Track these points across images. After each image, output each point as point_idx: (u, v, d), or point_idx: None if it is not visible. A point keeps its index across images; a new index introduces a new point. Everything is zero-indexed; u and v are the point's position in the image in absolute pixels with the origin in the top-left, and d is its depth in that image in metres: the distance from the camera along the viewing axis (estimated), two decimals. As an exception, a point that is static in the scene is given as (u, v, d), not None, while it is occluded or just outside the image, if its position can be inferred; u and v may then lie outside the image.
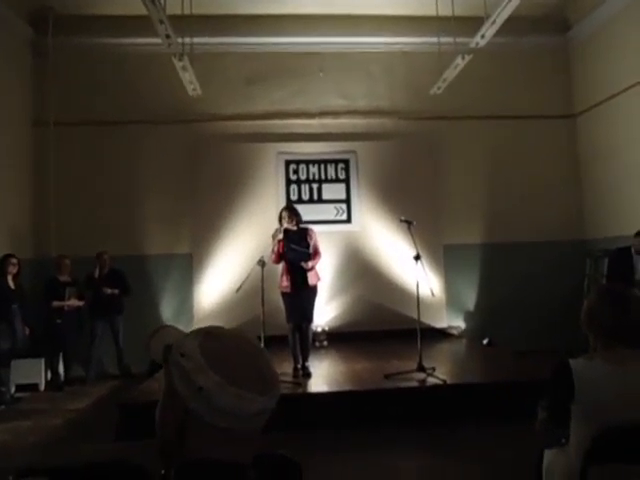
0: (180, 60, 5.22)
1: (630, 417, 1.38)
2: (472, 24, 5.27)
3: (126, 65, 6.54)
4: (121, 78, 6.54)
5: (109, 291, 5.74)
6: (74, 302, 5.65)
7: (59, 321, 5.54)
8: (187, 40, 5.45)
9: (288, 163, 6.74)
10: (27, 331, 5.13)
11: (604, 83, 6.44)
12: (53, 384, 5.50)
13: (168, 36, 4.80)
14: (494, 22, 4.86)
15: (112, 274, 5.88)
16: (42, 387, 5.46)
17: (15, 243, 5.79)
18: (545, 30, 6.93)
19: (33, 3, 6.15)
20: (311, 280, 4.51)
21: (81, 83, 6.53)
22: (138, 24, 5.86)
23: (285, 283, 4.51)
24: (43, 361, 5.52)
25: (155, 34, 4.92)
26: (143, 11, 4.53)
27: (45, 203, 6.34)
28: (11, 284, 5.09)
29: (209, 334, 0.80)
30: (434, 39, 6.21)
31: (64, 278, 5.75)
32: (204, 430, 0.74)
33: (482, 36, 5.13)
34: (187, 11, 5.53)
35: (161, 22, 4.54)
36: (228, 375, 0.73)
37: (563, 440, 1.69)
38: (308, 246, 4.50)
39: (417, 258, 4.48)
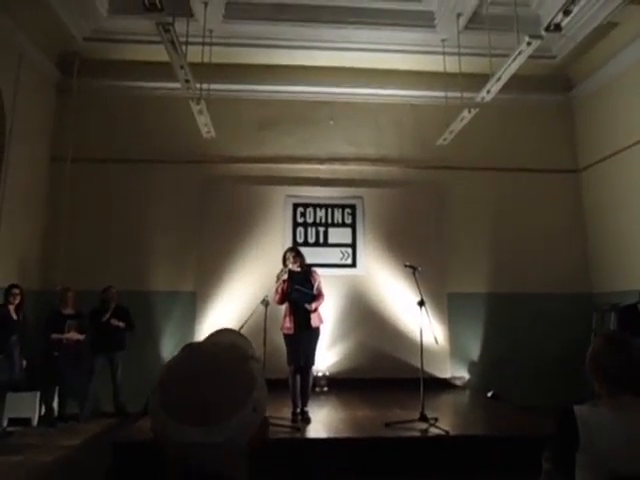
0: (197, 104, 5.45)
1: (636, 466, 1.35)
2: (478, 80, 5.50)
3: (143, 107, 6.82)
4: (138, 119, 6.80)
5: (116, 322, 5.73)
6: (73, 335, 5.59)
7: (56, 354, 5.48)
8: (205, 86, 5.72)
9: (296, 206, 6.86)
10: (24, 364, 5.08)
11: (608, 140, 6.60)
12: (46, 419, 5.38)
13: (187, 81, 5.04)
14: (499, 79, 5.07)
15: (118, 309, 5.88)
16: (35, 422, 5.34)
17: (23, 274, 5.86)
18: (549, 88, 7.19)
19: (61, 47, 6.49)
20: (314, 322, 4.48)
21: (100, 122, 6.79)
22: (158, 69, 6.18)
23: (288, 324, 4.48)
24: (38, 395, 5.43)
25: (173, 79, 5.18)
26: (164, 57, 4.78)
27: (56, 236, 6.44)
28: (13, 314, 5.10)
29: (187, 349, 0.75)
30: (441, 93, 6.47)
31: (67, 311, 5.75)
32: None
33: (488, 91, 5.34)
34: (206, 59, 5.84)
35: (181, 68, 4.78)
36: (165, 400, 0.68)
37: (568, 493, 1.64)
38: (312, 287, 4.50)
39: (421, 304, 4.46)
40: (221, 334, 0.86)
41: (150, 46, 6.13)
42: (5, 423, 5.10)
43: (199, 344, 0.76)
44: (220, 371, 0.70)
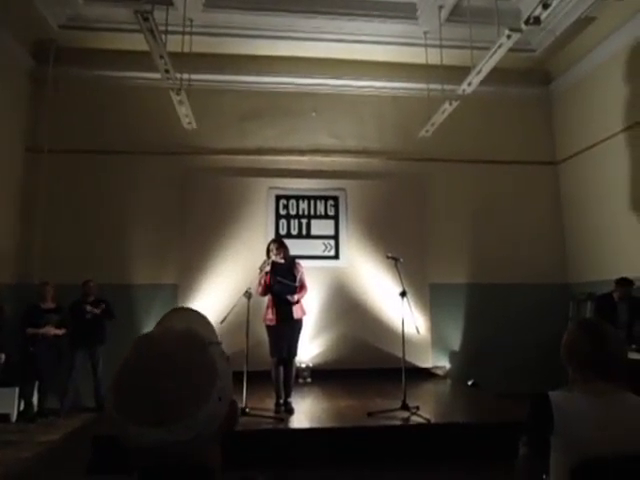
0: (177, 94, 5.38)
1: (608, 449, 1.39)
2: (459, 73, 5.53)
3: (123, 97, 6.69)
4: (117, 109, 6.68)
5: (88, 308, 5.64)
6: (49, 330, 5.48)
7: (32, 349, 5.38)
8: (185, 76, 5.63)
9: (278, 198, 6.84)
10: (2, 358, 4.99)
11: (585, 132, 6.72)
12: (25, 415, 5.30)
13: (167, 71, 4.96)
14: (480, 71, 5.11)
15: (97, 302, 5.80)
16: (14, 418, 5.26)
17: (-2, 268, 5.73)
18: (528, 81, 7.28)
19: (36, 35, 6.32)
20: (296, 314, 4.49)
21: (77, 112, 6.64)
22: (137, 58, 6.07)
23: (270, 316, 4.49)
24: (17, 390, 5.34)
25: (153, 69, 5.09)
26: (144, 47, 4.70)
27: (31, 228, 6.31)
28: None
29: (137, 344, 0.70)
30: (423, 85, 6.51)
31: (47, 305, 5.64)
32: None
33: (469, 84, 5.38)
34: (187, 49, 5.75)
35: (161, 57, 4.70)
36: (119, 401, 0.65)
37: (544, 476, 1.69)
38: (295, 279, 4.51)
39: (403, 294, 4.51)
40: (175, 317, 0.81)
41: (129, 35, 6.01)
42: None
43: (150, 336, 0.71)
44: (177, 365, 0.66)
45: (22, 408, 5.37)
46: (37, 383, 5.50)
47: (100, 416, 5.34)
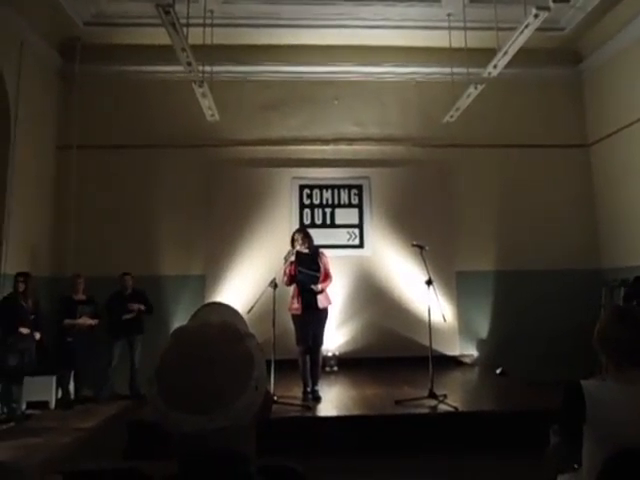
0: (200, 87, 5.42)
1: (642, 439, 1.36)
2: (485, 55, 5.38)
3: (147, 91, 6.79)
4: (142, 103, 6.77)
5: (136, 306, 5.86)
6: (86, 320, 5.69)
7: (70, 339, 5.59)
8: (207, 68, 5.67)
9: (302, 188, 6.84)
10: (37, 336, 5.16)
11: (617, 113, 6.48)
12: (63, 402, 5.51)
13: (189, 64, 5.00)
14: (506, 53, 4.97)
15: (135, 294, 6.00)
16: (52, 405, 5.48)
17: (34, 261, 5.95)
18: (557, 62, 7.04)
19: (63, 33, 6.45)
20: (321, 303, 4.51)
21: (104, 107, 6.77)
22: (160, 53, 6.13)
23: (295, 305, 4.52)
24: (54, 379, 5.55)
25: (176, 62, 5.13)
26: (166, 41, 4.74)
27: (65, 223, 6.50)
28: (22, 302, 5.17)
29: (176, 336, 0.74)
30: (447, 69, 6.37)
31: (78, 297, 5.83)
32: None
33: (494, 66, 5.23)
34: (208, 41, 5.77)
35: (183, 50, 4.73)
36: (163, 391, 0.68)
37: (575, 465, 1.67)
38: (319, 269, 4.53)
39: (429, 283, 4.47)
40: (209, 311, 0.85)
41: (151, 29, 6.06)
42: (24, 406, 5.23)
43: (190, 328, 0.75)
44: (217, 356, 0.69)
45: (60, 396, 5.58)
46: (73, 371, 5.71)
47: (136, 403, 5.50)
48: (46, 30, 6.14)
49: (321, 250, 4.75)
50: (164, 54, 5.89)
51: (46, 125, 6.49)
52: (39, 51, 6.16)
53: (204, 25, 5.77)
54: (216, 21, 6.04)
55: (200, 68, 5.40)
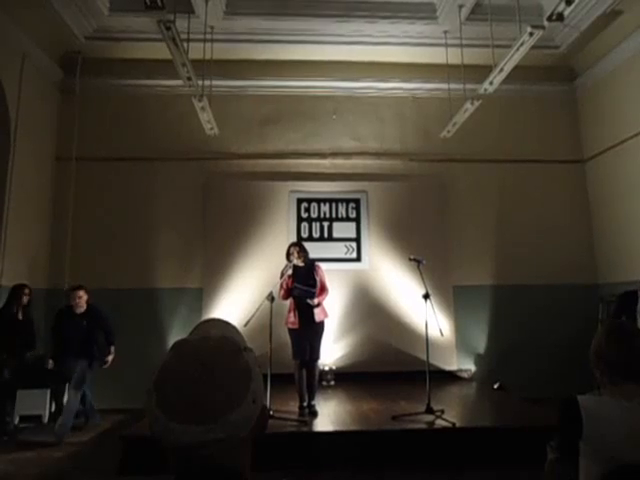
0: (200, 101, 5.46)
1: (638, 454, 1.36)
2: (481, 72, 5.47)
3: (147, 105, 6.84)
4: (141, 117, 6.83)
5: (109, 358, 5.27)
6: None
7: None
8: (207, 82, 5.73)
9: (300, 201, 6.87)
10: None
11: (611, 130, 6.56)
12: (57, 416, 5.43)
13: (189, 78, 5.05)
14: (502, 70, 5.04)
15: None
16: (46, 419, 5.41)
17: (32, 273, 5.94)
18: (552, 79, 7.14)
19: (64, 47, 6.51)
20: (318, 317, 4.51)
21: (104, 121, 6.82)
22: (160, 67, 6.22)
23: (292, 319, 4.52)
24: (48, 392, 5.49)
25: (176, 76, 5.19)
26: (166, 55, 4.80)
27: (62, 235, 6.49)
28: (19, 314, 5.13)
29: (176, 348, 0.75)
30: (444, 85, 6.46)
31: (80, 309, 5.77)
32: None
33: (490, 83, 5.31)
34: (208, 56, 5.84)
35: (183, 65, 4.78)
36: (161, 401, 0.69)
37: (573, 481, 1.66)
38: (315, 282, 4.53)
39: (426, 297, 4.48)
40: (209, 326, 0.86)
41: (152, 44, 6.15)
42: (17, 420, 5.17)
43: (189, 341, 0.76)
44: (215, 368, 0.70)
45: (53, 409, 5.51)
46: (67, 385, 5.64)
47: (130, 418, 5.44)
48: (47, 43, 6.21)
49: (317, 263, 4.76)
50: (164, 68, 5.97)
51: (45, 137, 6.52)
52: (40, 64, 6.22)
53: (204, 40, 5.85)
54: (216, 36, 6.13)
55: (200, 82, 5.46)
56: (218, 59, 6.16)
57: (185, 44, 4.69)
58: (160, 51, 5.28)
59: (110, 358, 5.25)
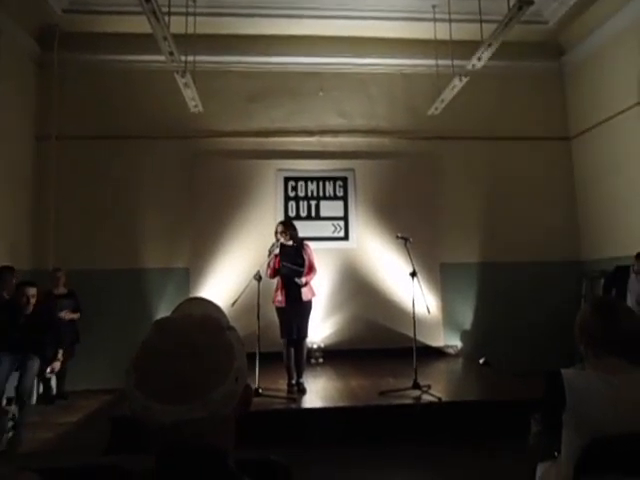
0: (182, 77, 5.32)
1: (621, 427, 1.39)
2: (469, 47, 5.39)
3: (129, 81, 6.66)
4: (123, 94, 6.65)
5: (67, 316, 5.50)
6: (66, 314, 5.58)
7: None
8: (190, 58, 5.56)
9: (287, 180, 6.81)
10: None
11: (598, 106, 6.56)
12: (45, 397, 5.43)
13: (171, 53, 4.90)
14: (490, 45, 4.98)
15: (67, 294, 5.63)
16: (34, 400, 5.38)
17: (15, 255, 5.81)
18: (540, 55, 7.09)
19: (40, 20, 6.27)
20: (305, 295, 4.51)
21: (84, 98, 6.63)
22: (142, 42, 6.01)
23: (279, 297, 4.52)
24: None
25: (158, 51, 5.03)
26: (148, 29, 4.64)
27: (44, 215, 6.37)
28: (5, 296, 5.06)
29: (158, 326, 0.73)
30: (432, 61, 6.37)
31: (59, 291, 5.73)
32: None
33: (478, 59, 5.24)
34: (190, 30, 5.66)
35: (165, 39, 4.64)
36: (141, 381, 0.67)
37: (556, 452, 1.69)
38: (303, 261, 4.51)
39: (413, 275, 4.50)
40: (191, 305, 0.85)
41: (132, 17, 5.94)
42: (4, 402, 5.13)
43: (170, 320, 0.75)
44: (197, 346, 0.69)
45: (41, 391, 5.50)
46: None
47: (118, 398, 5.45)
48: (22, 17, 5.96)
49: (305, 242, 4.74)
50: (145, 43, 5.77)
51: (24, 115, 6.33)
52: (15, 39, 5.98)
53: (187, 14, 5.65)
54: (199, 10, 5.93)
55: (182, 58, 5.31)
56: (202, 33, 5.97)
57: (166, 17, 4.54)
58: (141, 25, 5.10)
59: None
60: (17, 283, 4.57)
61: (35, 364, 4.30)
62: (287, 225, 4.67)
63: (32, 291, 4.37)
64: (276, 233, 4.62)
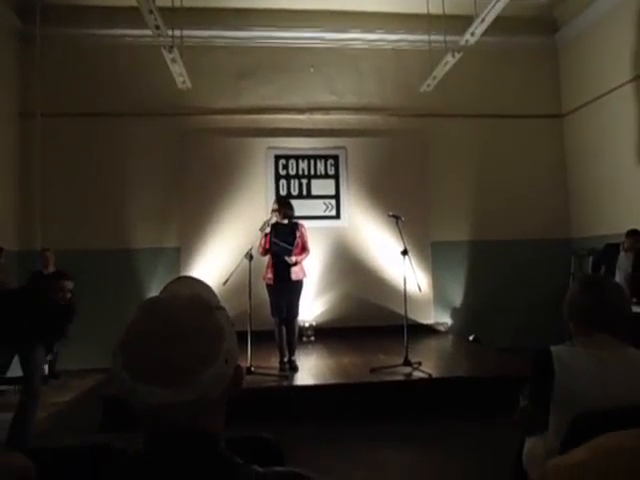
0: (170, 52, 5.19)
1: (609, 402, 1.41)
2: (462, 22, 5.31)
3: (115, 57, 6.49)
4: (110, 70, 6.49)
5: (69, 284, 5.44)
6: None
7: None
8: (177, 32, 5.41)
9: (278, 158, 6.74)
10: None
11: (591, 84, 6.53)
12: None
13: (158, 27, 4.77)
14: (483, 20, 4.90)
15: (57, 274, 5.55)
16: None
17: (1, 236, 5.72)
18: (534, 30, 7.00)
19: (20, -8, 6.06)
20: (295, 275, 4.49)
21: (69, 74, 6.46)
22: (128, 15, 5.83)
23: (269, 275, 4.51)
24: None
25: (145, 26, 4.89)
26: (133, 2, 4.49)
27: (31, 195, 6.26)
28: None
29: (144, 307, 0.72)
30: (424, 37, 6.26)
31: (48, 271, 5.66)
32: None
33: (472, 34, 5.17)
34: (177, 3, 5.50)
35: (150, 12, 4.51)
36: (128, 363, 0.66)
37: (543, 427, 1.72)
38: (294, 240, 4.49)
39: (404, 253, 4.51)
40: (179, 284, 0.83)
41: (116, -11, 5.76)
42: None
43: (158, 300, 0.73)
44: (185, 327, 0.67)
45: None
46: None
47: (110, 377, 5.46)
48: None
49: (301, 222, 4.70)
50: (131, 16, 5.58)
51: (7, 92, 6.16)
52: (-5, 11, 5.80)
53: (173, -14, 5.49)
54: (186, -18, 5.76)
55: (169, 32, 5.16)
56: (189, 7, 5.81)
57: (152, -11, 4.40)
58: (125, -3, 4.95)
59: None
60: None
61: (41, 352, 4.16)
62: (282, 203, 4.63)
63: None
64: (272, 211, 4.60)
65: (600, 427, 1.42)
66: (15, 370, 5.09)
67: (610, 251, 5.24)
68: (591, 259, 5.89)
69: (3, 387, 5.13)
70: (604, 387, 1.44)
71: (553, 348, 1.56)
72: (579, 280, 1.68)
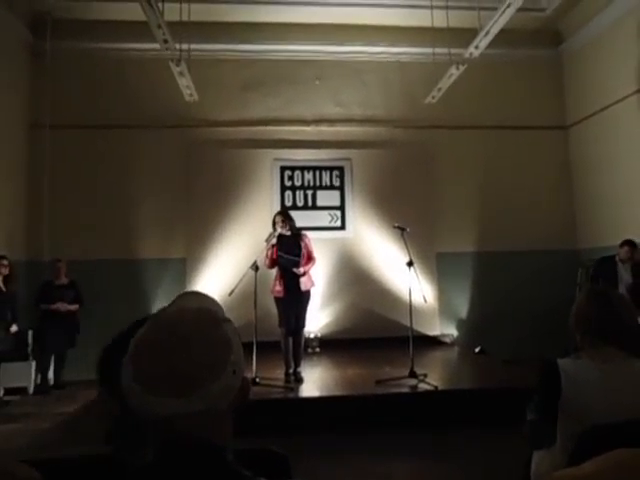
0: (177, 65, 5.27)
1: (616, 415, 1.40)
2: (466, 35, 5.35)
3: (123, 70, 6.58)
4: (118, 82, 6.58)
5: (63, 307, 5.54)
6: (62, 305, 5.55)
7: (45, 324, 5.48)
8: (185, 46, 5.49)
9: (283, 169, 6.78)
10: (14, 328, 5.07)
11: (596, 95, 6.54)
12: (42, 388, 5.44)
13: (166, 41, 4.85)
14: (487, 33, 4.94)
15: (68, 285, 5.70)
16: (31, 390, 5.40)
17: (10, 245, 5.78)
18: (538, 42, 7.04)
19: (32, 7, 6.18)
20: (304, 286, 4.51)
21: (78, 86, 6.55)
22: (136, 29, 5.92)
23: (278, 288, 4.52)
24: (33, 364, 5.47)
25: (153, 39, 4.97)
26: (142, 17, 4.57)
27: (40, 206, 6.32)
28: (2, 286, 5.06)
29: (153, 320, 0.74)
30: (429, 49, 6.30)
31: (60, 281, 5.71)
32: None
33: (476, 47, 5.21)
34: (185, 18, 5.58)
35: (159, 27, 4.58)
36: (139, 374, 0.67)
37: (551, 441, 1.71)
38: (300, 251, 4.50)
39: (410, 264, 4.51)
40: (186, 299, 0.84)
41: (125, 4, 5.86)
42: (1, 392, 5.15)
43: (165, 314, 0.75)
44: (194, 339, 0.69)
45: (39, 381, 5.50)
46: (54, 357, 5.62)
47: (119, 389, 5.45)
48: (14, 4, 5.87)
49: (303, 232, 4.73)
50: (139, 31, 5.67)
51: (17, 104, 6.26)
52: (7, 27, 5.90)
53: (181, 1, 5.58)
54: (193, -4, 5.85)
55: (177, 46, 5.24)
56: (196, 21, 5.90)
57: (160, 4, 4.47)
58: (135, 12, 5.01)
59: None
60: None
61: None
62: (286, 215, 4.66)
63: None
64: (274, 224, 4.60)
65: (608, 441, 1.41)
66: (10, 380, 5.14)
67: (606, 263, 5.23)
68: (590, 272, 5.87)
69: (8, 397, 5.15)
70: (610, 400, 1.43)
71: (559, 360, 1.55)
72: (585, 292, 1.68)
